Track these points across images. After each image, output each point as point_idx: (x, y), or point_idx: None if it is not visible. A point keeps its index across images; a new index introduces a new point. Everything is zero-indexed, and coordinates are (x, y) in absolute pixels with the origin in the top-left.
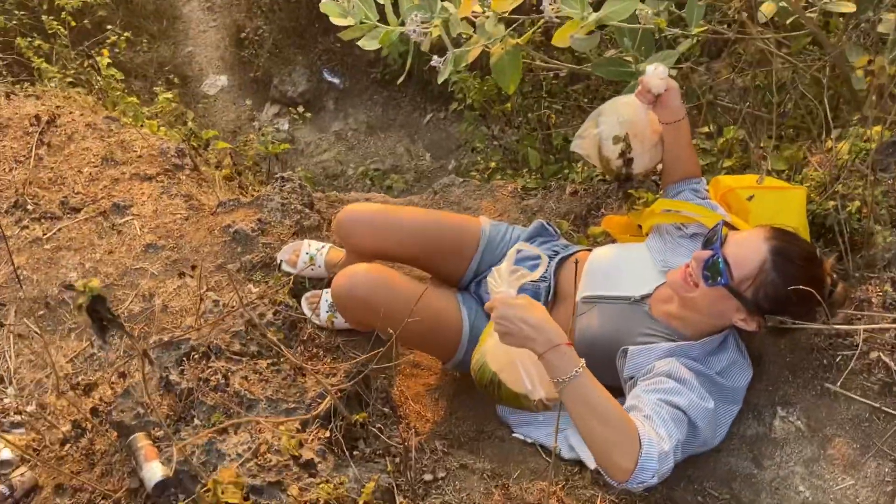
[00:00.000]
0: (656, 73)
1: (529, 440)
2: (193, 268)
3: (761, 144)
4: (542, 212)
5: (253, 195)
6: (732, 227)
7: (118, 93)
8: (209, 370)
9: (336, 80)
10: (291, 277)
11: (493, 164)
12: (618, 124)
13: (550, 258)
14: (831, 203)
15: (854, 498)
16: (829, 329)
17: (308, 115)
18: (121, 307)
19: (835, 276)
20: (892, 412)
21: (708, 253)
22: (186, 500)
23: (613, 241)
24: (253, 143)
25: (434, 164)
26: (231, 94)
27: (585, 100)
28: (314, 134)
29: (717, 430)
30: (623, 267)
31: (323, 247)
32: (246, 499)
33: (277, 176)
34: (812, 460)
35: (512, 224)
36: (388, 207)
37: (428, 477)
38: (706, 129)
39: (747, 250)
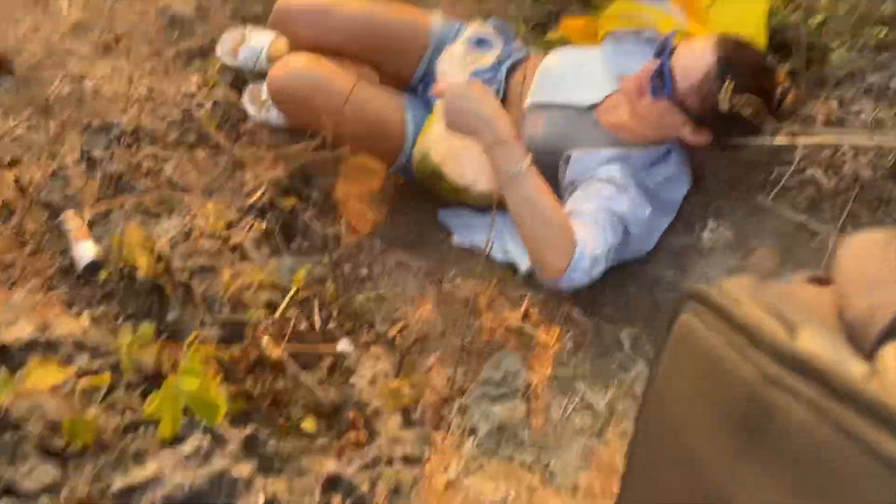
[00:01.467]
0: None
1: (466, 245)
2: (118, 41)
3: None
4: (502, 16)
5: None
6: (688, 35)
7: None
8: (140, 155)
9: None
10: (232, 68)
11: None
12: None
13: (502, 61)
14: (793, 15)
15: None
16: (770, 145)
17: None
18: (48, 90)
19: (786, 84)
20: (815, 228)
21: (656, 63)
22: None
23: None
24: None
25: None
26: None
27: None
28: None
29: (649, 238)
30: (575, 73)
31: (264, 38)
32: (170, 272)
33: None
34: (733, 269)
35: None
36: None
37: (364, 271)
38: None
39: (693, 60)
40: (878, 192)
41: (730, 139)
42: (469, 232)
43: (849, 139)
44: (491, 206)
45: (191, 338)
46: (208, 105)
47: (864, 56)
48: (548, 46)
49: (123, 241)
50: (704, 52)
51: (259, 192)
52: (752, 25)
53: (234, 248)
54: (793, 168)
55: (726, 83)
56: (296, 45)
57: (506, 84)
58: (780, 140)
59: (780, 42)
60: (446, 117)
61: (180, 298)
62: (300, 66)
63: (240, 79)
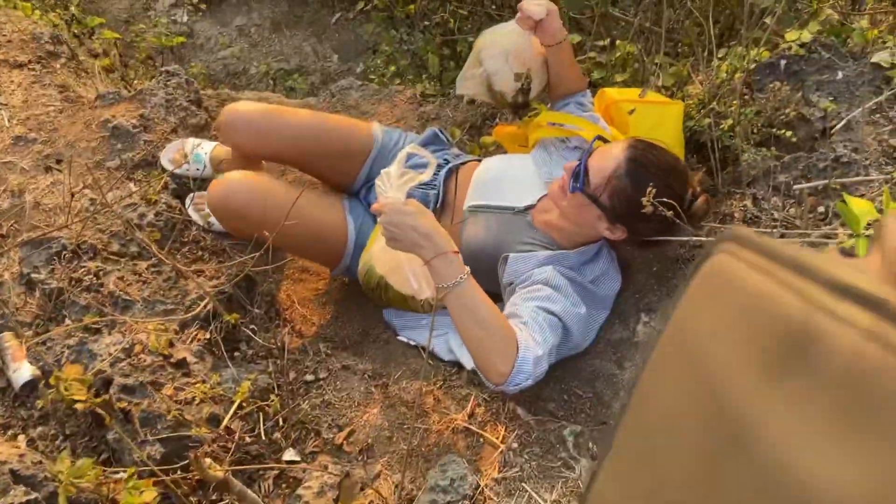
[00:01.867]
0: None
1: (413, 343)
2: (59, 161)
3: (655, 60)
4: (438, 119)
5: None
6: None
7: None
8: (82, 270)
9: None
10: (170, 176)
11: (391, 69)
12: (502, 56)
13: (441, 166)
14: (706, 120)
15: None
16: (691, 241)
17: (203, 6)
18: None
19: (698, 188)
20: None
21: (575, 163)
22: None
23: (504, 152)
24: (146, 35)
25: (341, 66)
26: None
27: (494, 6)
28: (215, 28)
29: (587, 334)
30: (509, 177)
31: (206, 146)
32: (109, 398)
33: (162, 70)
34: None
35: (407, 131)
36: (272, 108)
37: (309, 377)
38: (601, 42)
39: (606, 159)
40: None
41: (644, 235)
42: (413, 332)
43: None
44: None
45: (131, 471)
46: (151, 215)
47: (771, 157)
48: (482, 148)
49: (60, 377)
50: (616, 152)
51: (202, 304)
52: (670, 130)
53: (176, 364)
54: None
55: (649, 188)
56: (240, 153)
57: (444, 188)
58: (695, 238)
59: (697, 145)
60: (386, 234)
61: (120, 422)
62: (237, 181)
63: (183, 187)
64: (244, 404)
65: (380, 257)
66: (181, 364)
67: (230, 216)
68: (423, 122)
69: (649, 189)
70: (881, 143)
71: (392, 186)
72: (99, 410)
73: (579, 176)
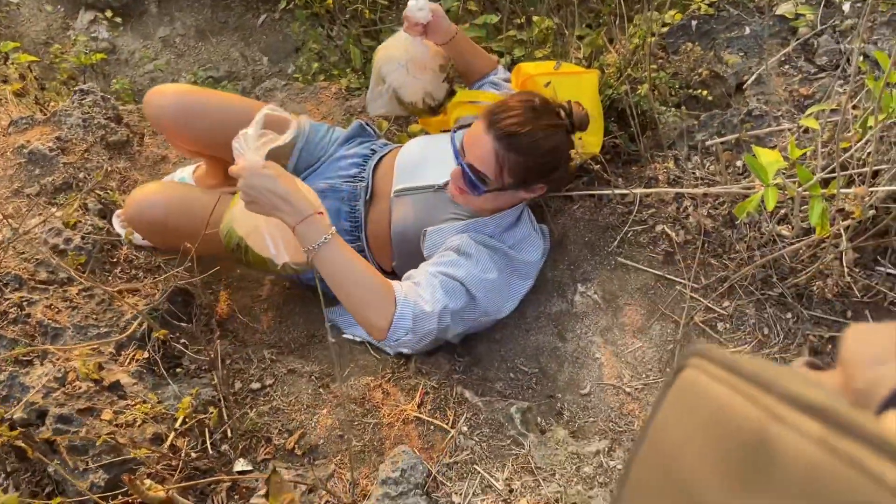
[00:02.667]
0: (416, 6)
1: (358, 339)
2: None
3: (576, 33)
4: (364, 112)
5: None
6: None
7: None
8: (7, 302)
9: None
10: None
11: (315, 66)
12: (402, 68)
13: (368, 157)
14: (623, 87)
15: (642, 358)
16: (622, 207)
17: (118, 20)
18: None
19: (565, 106)
20: (673, 279)
21: (458, 168)
22: None
23: None
24: (66, 55)
25: (272, 68)
26: (39, 0)
27: None
28: (138, 41)
29: (501, 302)
30: (428, 157)
31: (188, 169)
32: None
33: (76, 89)
34: (607, 329)
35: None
36: (196, 89)
37: (256, 385)
38: (518, 20)
39: (479, 147)
40: (720, 238)
41: (563, 177)
42: (357, 328)
43: (675, 190)
44: (299, 276)
45: (55, 501)
46: (77, 239)
47: (686, 117)
48: (411, 137)
49: None
50: (483, 137)
51: (136, 323)
52: (586, 98)
53: (111, 387)
54: (645, 226)
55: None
56: (166, 135)
57: (373, 179)
58: (620, 190)
59: (618, 112)
60: (245, 198)
61: (57, 453)
62: (153, 193)
63: (109, 206)
64: (187, 420)
65: (239, 219)
66: (116, 387)
67: (148, 229)
68: (351, 117)
69: (534, 146)
70: (792, 94)
71: (250, 148)
72: (20, 444)
73: (470, 179)
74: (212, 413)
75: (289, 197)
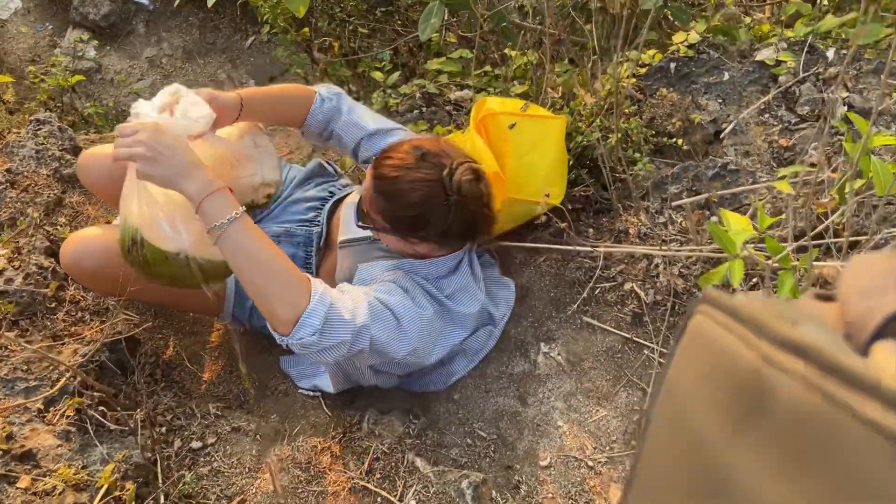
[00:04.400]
0: (188, 109)
1: (311, 393)
2: None
3: (556, 69)
4: (334, 148)
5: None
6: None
7: None
8: None
9: (145, 1)
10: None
11: None
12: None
13: (325, 200)
14: (594, 135)
15: (606, 428)
16: (589, 262)
17: (97, 40)
18: None
19: (452, 164)
20: (641, 342)
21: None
22: None
23: None
24: (45, 76)
25: None
26: (28, 17)
27: (399, 23)
28: (125, 61)
29: (431, 342)
30: None
31: None
32: None
33: (32, 118)
34: (570, 394)
35: (293, 163)
36: None
37: (196, 444)
38: (494, 55)
39: (366, 185)
40: (693, 299)
41: (451, 236)
42: (313, 380)
43: (643, 250)
44: (209, 278)
45: None
46: (19, 279)
47: (655, 170)
48: None
49: None
50: (369, 177)
51: (65, 377)
52: (551, 145)
53: (27, 454)
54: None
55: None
56: (99, 195)
57: (327, 226)
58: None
59: (590, 160)
60: (141, 159)
61: None
62: (90, 239)
63: (57, 243)
64: (111, 489)
65: (136, 211)
66: (29, 456)
67: (85, 278)
68: (313, 154)
69: (402, 191)
70: (771, 145)
71: (150, 110)
72: None
73: (360, 213)
74: (128, 489)
75: (196, 166)
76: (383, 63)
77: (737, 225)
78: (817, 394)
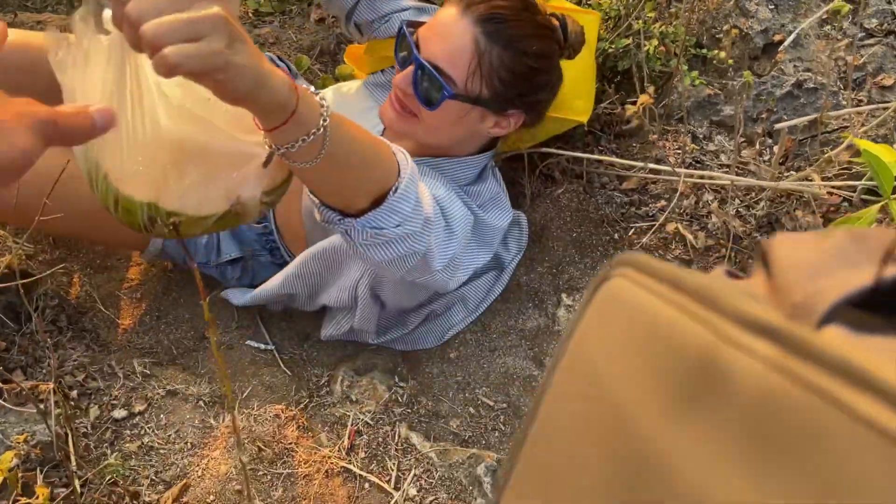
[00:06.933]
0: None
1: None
2: None
3: None
4: (278, 44)
5: None
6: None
7: None
8: None
9: None
10: None
11: None
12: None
13: None
14: (624, 41)
15: None
16: (620, 196)
17: None
18: None
19: (558, 15)
20: None
21: (409, 69)
22: None
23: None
24: None
25: None
26: None
27: None
28: None
29: (456, 269)
30: (351, 112)
31: None
32: None
33: None
34: None
35: None
36: None
37: (120, 413)
38: None
39: (450, 40)
40: (754, 247)
41: (543, 104)
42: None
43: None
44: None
45: None
46: None
47: (711, 83)
48: (339, 80)
49: None
50: (458, 22)
51: None
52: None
53: None
54: (654, 224)
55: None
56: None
57: None
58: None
59: (612, 72)
60: (171, 52)
61: None
62: None
63: None
64: (19, 467)
65: (111, 139)
66: None
67: None
68: (260, 48)
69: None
70: (837, 62)
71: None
72: None
73: (433, 80)
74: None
75: (255, 53)
76: None
77: (888, 156)
78: (794, 382)
